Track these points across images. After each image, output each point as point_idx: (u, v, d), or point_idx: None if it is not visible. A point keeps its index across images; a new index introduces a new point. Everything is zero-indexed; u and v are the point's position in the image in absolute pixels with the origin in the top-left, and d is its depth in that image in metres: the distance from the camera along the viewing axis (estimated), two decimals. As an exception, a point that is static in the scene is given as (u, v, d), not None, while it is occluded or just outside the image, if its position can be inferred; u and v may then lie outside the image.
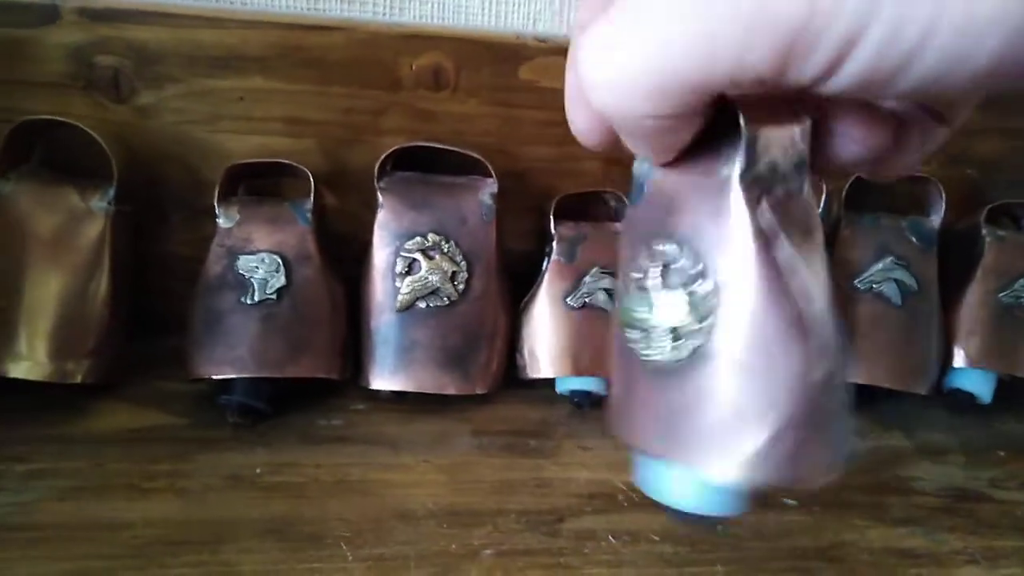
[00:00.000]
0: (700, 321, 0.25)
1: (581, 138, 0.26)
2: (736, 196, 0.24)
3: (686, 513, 0.28)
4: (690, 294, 0.25)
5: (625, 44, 0.19)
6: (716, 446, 0.25)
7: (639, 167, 0.27)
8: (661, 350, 0.26)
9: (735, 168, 0.24)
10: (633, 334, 0.27)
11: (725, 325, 0.24)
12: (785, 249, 0.24)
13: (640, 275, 0.26)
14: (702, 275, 0.25)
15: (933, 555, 0.37)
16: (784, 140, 0.24)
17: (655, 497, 0.29)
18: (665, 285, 0.26)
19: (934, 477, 0.44)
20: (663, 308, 0.25)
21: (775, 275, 0.24)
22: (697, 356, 0.25)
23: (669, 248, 0.26)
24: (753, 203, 0.24)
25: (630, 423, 0.27)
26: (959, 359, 0.51)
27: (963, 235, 0.54)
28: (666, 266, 0.26)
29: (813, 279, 0.25)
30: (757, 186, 0.24)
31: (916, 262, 0.50)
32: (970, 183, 0.56)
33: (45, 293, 0.43)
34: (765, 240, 0.24)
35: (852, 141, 0.24)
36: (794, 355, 0.24)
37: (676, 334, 0.25)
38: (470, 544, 0.35)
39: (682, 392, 0.25)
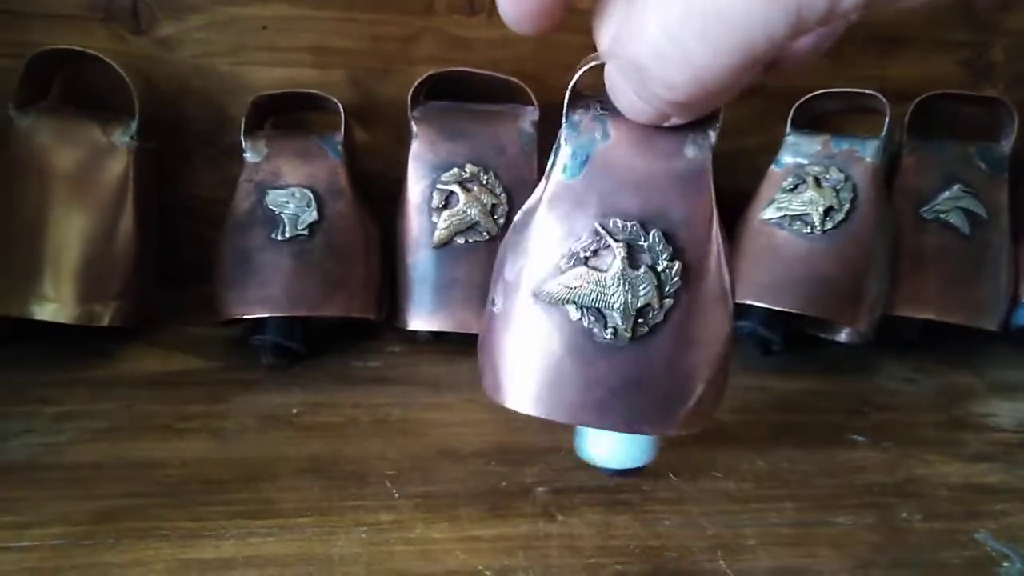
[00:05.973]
0: (663, 300, 0.26)
1: (516, 21, 0.24)
2: (709, 176, 0.26)
3: (619, 469, 0.32)
4: (658, 274, 0.26)
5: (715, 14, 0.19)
6: (672, 411, 0.27)
7: (578, 140, 0.27)
8: (618, 329, 0.26)
9: (706, 148, 0.26)
10: (574, 311, 0.27)
11: (684, 301, 0.26)
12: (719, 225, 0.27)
13: (585, 252, 0.26)
14: (672, 255, 0.26)
15: (1017, 491, 0.34)
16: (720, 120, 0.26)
17: (599, 464, 0.31)
18: (631, 265, 0.26)
19: (1009, 414, 0.41)
20: (624, 289, 0.26)
21: (725, 249, 0.27)
22: (652, 332, 0.27)
23: (631, 227, 0.26)
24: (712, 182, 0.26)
25: (569, 400, 0.27)
26: (1031, 294, 0.48)
27: (1034, 161, 0.50)
28: (630, 246, 0.26)
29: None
30: (712, 165, 0.26)
31: (985, 189, 0.47)
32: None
33: (69, 231, 0.41)
34: (720, 218, 0.26)
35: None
36: (725, 320, 0.27)
37: (640, 314, 0.26)
38: (522, 482, 0.33)
39: (637, 365, 0.27)
